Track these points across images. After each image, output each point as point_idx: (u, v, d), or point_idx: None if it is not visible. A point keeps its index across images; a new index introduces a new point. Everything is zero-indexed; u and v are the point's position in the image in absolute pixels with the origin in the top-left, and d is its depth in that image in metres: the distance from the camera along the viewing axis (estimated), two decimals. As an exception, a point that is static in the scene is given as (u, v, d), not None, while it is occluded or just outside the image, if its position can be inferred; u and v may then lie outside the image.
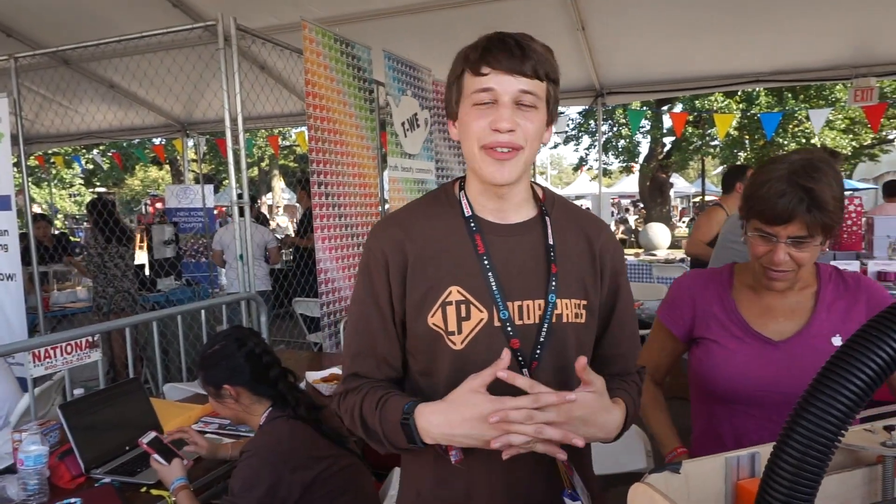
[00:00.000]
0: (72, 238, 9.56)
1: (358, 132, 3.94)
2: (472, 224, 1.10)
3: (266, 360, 1.84)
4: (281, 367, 1.87)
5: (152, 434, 1.83)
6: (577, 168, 22.11)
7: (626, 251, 9.91)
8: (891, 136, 16.07)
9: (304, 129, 8.98)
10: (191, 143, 8.00)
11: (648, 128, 16.24)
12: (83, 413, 1.98)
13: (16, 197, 4.05)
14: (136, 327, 3.69)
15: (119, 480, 1.86)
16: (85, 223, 12.79)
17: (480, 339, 1.05)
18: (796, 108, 12.97)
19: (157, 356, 2.95)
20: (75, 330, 2.54)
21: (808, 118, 12.31)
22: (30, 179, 4.90)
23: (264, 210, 20.60)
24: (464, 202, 1.12)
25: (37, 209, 16.22)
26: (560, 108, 1.29)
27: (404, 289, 1.08)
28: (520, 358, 1.05)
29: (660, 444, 1.53)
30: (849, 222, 3.19)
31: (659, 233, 11.19)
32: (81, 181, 24.34)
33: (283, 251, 9.46)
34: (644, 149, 17.85)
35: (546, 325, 1.06)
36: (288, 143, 19.79)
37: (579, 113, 17.78)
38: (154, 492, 1.81)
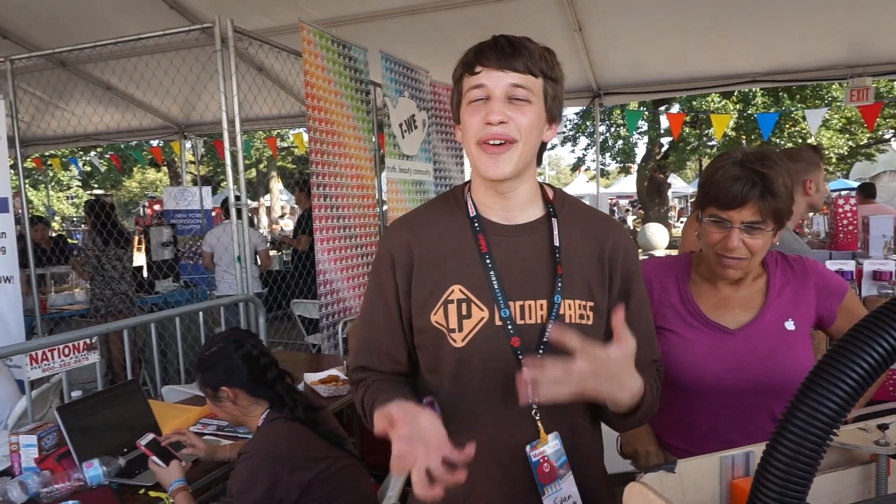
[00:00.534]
0: (70, 240, 9.55)
1: (355, 133, 3.94)
2: (476, 224, 1.12)
3: (263, 362, 1.84)
4: (278, 369, 1.87)
5: (150, 436, 1.83)
6: (575, 169, 22.12)
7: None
8: (887, 136, 16.12)
9: (301, 130, 8.99)
10: (188, 144, 8.00)
11: (646, 128, 16.26)
12: (81, 415, 1.98)
13: (13, 199, 4.05)
14: (134, 329, 3.69)
15: (117, 482, 1.87)
16: (83, 225, 12.73)
17: (481, 338, 1.06)
18: (793, 109, 13.00)
19: (156, 358, 2.95)
20: (73, 332, 2.53)
21: (804, 118, 12.36)
22: (27, 182, 4.90)
23: (262, 212, 20.61)
24: (469, 203, 1.15)
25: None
26: None
27: (410, 287, 1.12)
28: (520, 357, 1.05)
29: (635, 441, 1.54)
30: (844, 222, 3.20)
31: (657, 233, 11.23)
32: (79, 183, 24.30)
33: (282, 252, 9.47)
34: (641, 149, 17.90)
35: (549, 325, 1.06)
36: (286, 145, 19.78)
37: (576, 113, 17.82)
38: (152, 493, 1.81)
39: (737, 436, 1.37)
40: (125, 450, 2.02)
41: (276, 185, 22.98)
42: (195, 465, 1.95)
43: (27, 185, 4.67)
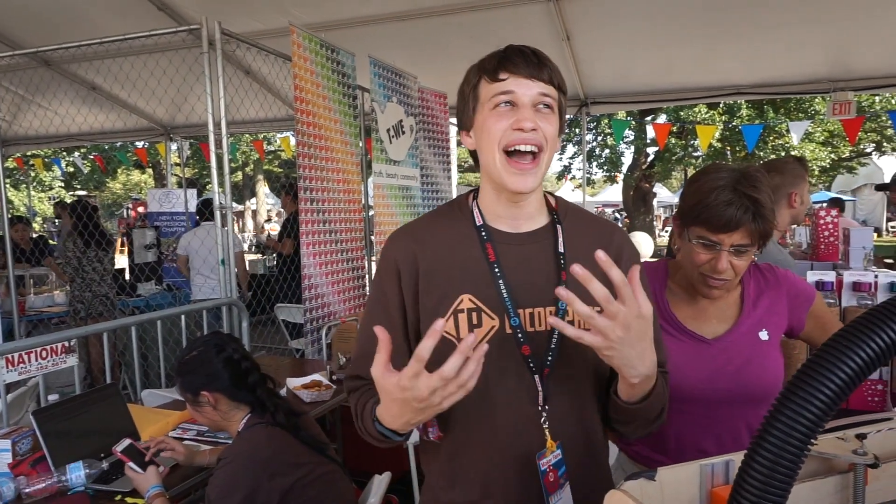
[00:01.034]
0: (50, 241, 9.41)
1: (342, 138, 3.94)
2: (483, 233, 1.12)
3: (245, 366, 1.82)
4: (260, 373, 1.85)
5: (127, 441, 1.80)
6: (561, 177, 22.24)
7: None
8: (868, 150, 16.39)
9: (288, 134, 8.94)
10: (174, 146, 7.93)
11: (632, 138, 16.40)
12: (57, 419, 1.94)
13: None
14: (114, 332, 3.64)
15: (94, 488, 1.83)
16: (56, 221, 12.35)
17: (492, 346, 1.05)
18: (777, 121, 13.18)
19: (136, 362, 2.92)
20: (51, 334, 2.49)
21: (788, 131, 12.53)
22: (7, 182, 4.82)
23: (248, 215, 20.49)
24: (475, 212, 1.15)
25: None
26: None
27: (417, 297, 1.11)
28: (531, 364, 1.06)
29: None
30: (826, 233, 3.24)
31: (642, 242, 11.32)
32: (62, 184, 23.99)
33: (266, 256, 9.39)
34: (628, 159, 18.04)
35: (557, 332, 1.07)
36: (272, 149, 19.70)
37: (564, 122, 17.87)
38: (129, 500, 1.78)
39: (710, 445, 1.37)
40: (102, 455, 1.98)
41: (263, 188, 22.87)
42: (173, 471, 1.93)
43: (7, 185, 4.59)
